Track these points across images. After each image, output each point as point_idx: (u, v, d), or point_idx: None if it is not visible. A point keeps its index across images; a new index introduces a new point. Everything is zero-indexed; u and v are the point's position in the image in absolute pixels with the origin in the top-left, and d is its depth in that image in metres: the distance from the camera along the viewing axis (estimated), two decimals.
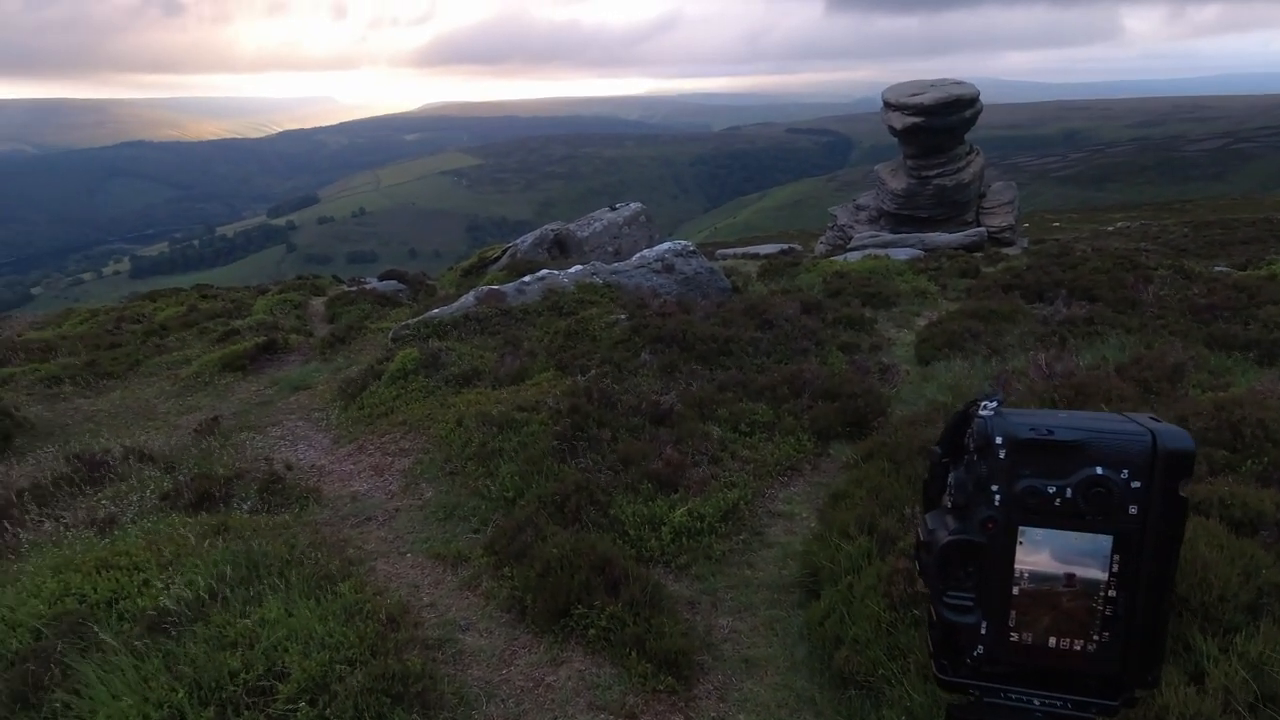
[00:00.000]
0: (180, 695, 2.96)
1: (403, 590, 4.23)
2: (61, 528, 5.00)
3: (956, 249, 21.56)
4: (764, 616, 3.99)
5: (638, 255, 13.74)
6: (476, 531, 4.95)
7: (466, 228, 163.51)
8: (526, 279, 11.30)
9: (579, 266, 12.41)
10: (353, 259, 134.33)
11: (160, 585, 3.82)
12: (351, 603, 3.75)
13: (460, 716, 3.25)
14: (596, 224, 20.89)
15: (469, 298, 10.49)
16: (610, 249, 19.96)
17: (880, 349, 9.36)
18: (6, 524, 4.97)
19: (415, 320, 9.78)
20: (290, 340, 10.92)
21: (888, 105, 29.00)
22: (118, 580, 3.90)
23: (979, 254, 20.19)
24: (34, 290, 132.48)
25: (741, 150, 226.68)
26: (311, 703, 2.98)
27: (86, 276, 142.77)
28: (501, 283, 11.81)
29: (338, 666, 3.16)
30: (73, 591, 3.82)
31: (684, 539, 4.66)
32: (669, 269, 12.82)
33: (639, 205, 22.71)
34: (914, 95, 28.02)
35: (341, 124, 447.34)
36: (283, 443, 7.21)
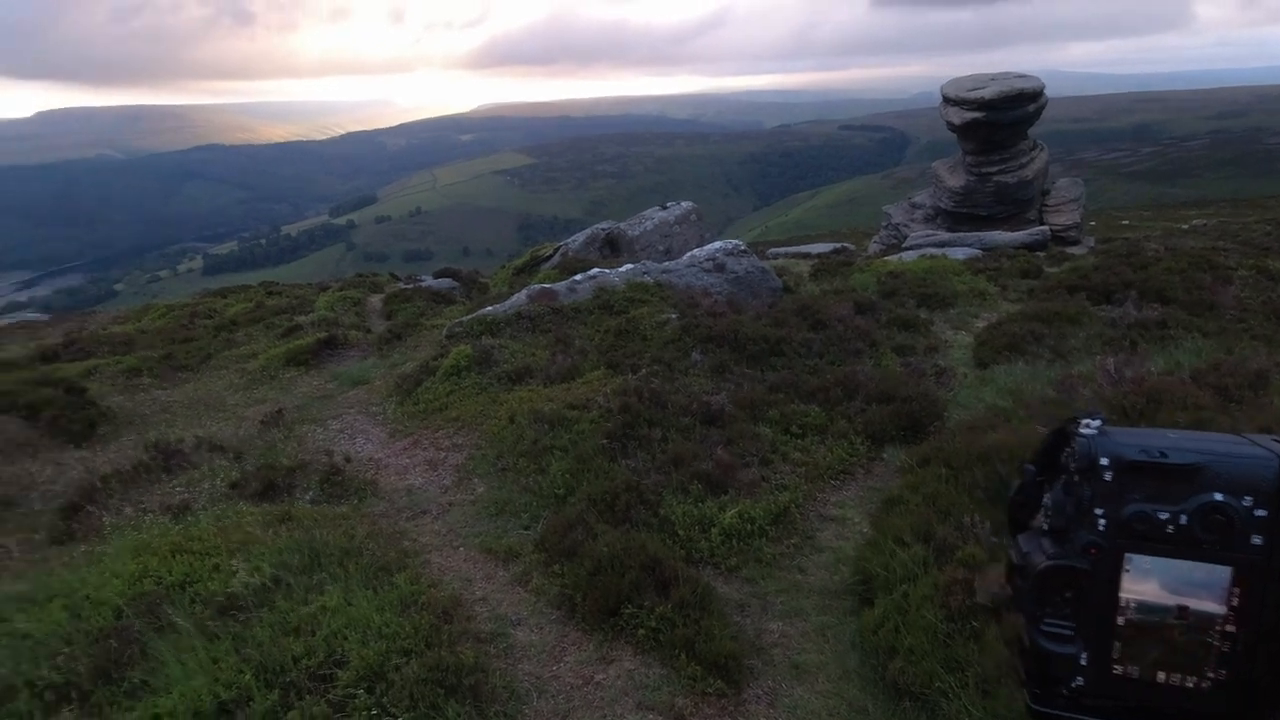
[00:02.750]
0: (247, 677, 3.09)
1: (456, 583, 4.32)
2: (140, 512, 5.28)
3: (1018, 248, 20.81)
4: (815, 622, 3.94)
5: (688, 254, 13.71)
6: (527, 528, 5.02)
7: (518, 226, 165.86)
8: (578, 278, 11.39)
9: (630, 265, 12.44)
10: (409, 257, 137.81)
11: (229, 570, 3.99)
12: (407, 594, 3.84)
13: (511, 710, 3.30)
14: (647, 223, 20.90)
15: (521, 296, 10.63)
16: (661, 248, 19.94)
17: (936, 351, 9.12)
18: (92, 508, 5.27)
19: (469, 318, 9.96)
20: (350, 336, 11.26)
21: (946, 100, 28.21)
22: (191, 564, 4.09)
23: (1042, 253, 19.47)
24: (116, 286, 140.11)
25: (793, 148, 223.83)
26: (369, 690, 3.07)
27: (163, 274, 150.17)
28: (553, 281, 11.93)
29: (394, 656, 3.25)
30: (150, 573, 4.02)
31: (734, 541, 4.63)
32: (720, 268, 12.75)
33: (690, 204, 22.64)
34: (974, 89, 27.18)
35: (400, 125, 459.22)
36: (342, 435, 7.44)
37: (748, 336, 8.51)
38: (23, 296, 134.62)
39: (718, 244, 13.89)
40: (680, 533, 4.69)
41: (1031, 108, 27.00)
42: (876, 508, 4.95)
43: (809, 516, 5.11)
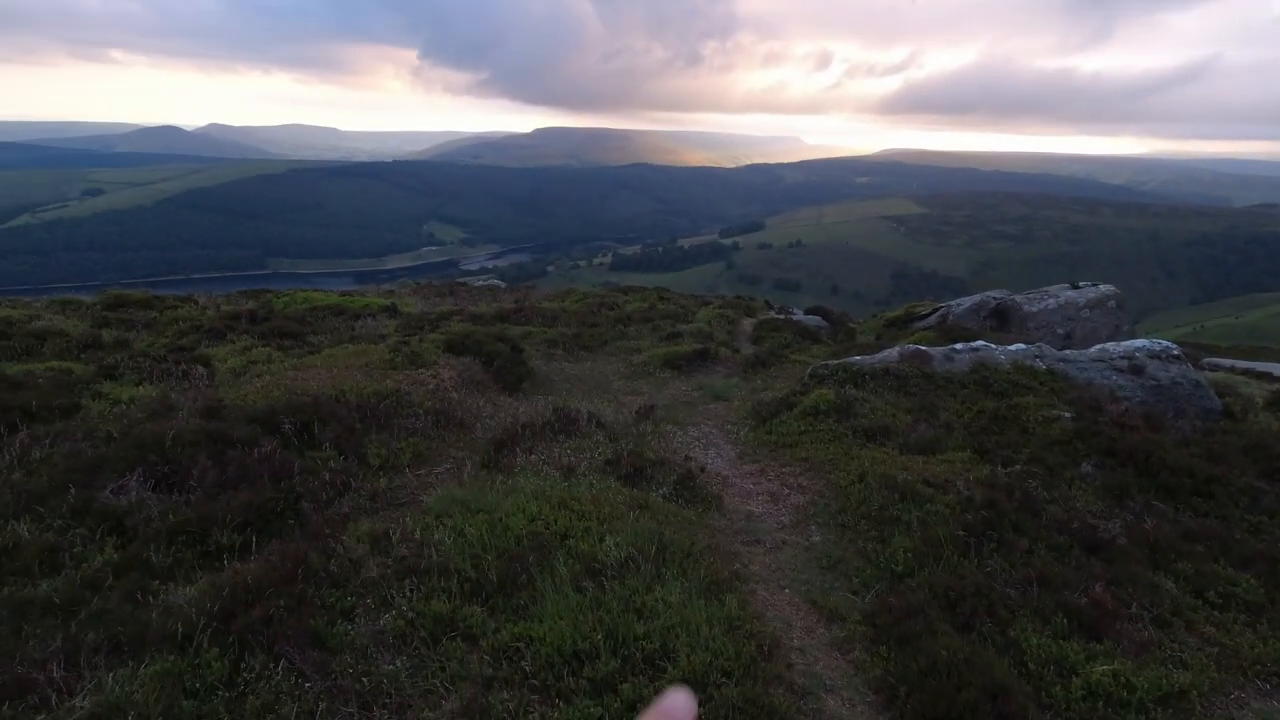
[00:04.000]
0: (599, 637, 3.59)
1: (777, 624, 4.41)
2: (541, 462, 6.46)
3: None
4: None
5: (1098, 347, 11.80)
6: (856, 593, 4.88)
7: (892, 274, 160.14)
8: (958, 346, 10.62)
9: (1021, 345, 11.17)
10: (779, 285, 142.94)
11: (598, 535, 4.66)
12: (735, 617, 4.05)
13: None
14: (1049, 300, 18.55)
15: (892, 352, 10.31)
16: (1060, 331, 17.53)
17: None
18: (512, 447, 6.64)
19: (835, 362, 9.99)
20: (720, 352, 12.16)
21: None
22: (570, 521, 4.88)
23: None
24: (548, 268, 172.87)
25: (1271, 235, 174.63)
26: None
27: (581, 263, 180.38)
28: (929, 343, 11.31)
29: (715, 673, 3.46)
30: (541, 517, 4.91)
31: (1099, 703, 3.89)
32: (1137, 370, 10.73)
33: (1110, 288, 19.45)
34: None
35: (801, 162, 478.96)
36: (697, 444, 8.09)
37: (1164, 462, 7.02)
38: (490, 264, 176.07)
39: (1140, 342, 11.70)
40: (1030, 666, 4.10)
41: None
42: None
43: (1214, 715, 4.04)
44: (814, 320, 17.37)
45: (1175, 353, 11.34)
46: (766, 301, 22.60)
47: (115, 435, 5.44)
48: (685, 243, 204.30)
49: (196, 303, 14.86)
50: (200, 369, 8.15)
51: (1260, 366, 21.39)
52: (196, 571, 4.10)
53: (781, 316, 17.52)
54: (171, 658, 3.22)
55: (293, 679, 3.32)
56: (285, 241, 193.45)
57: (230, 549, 4.32)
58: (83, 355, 8.69)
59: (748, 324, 16.08)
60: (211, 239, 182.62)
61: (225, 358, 9.01)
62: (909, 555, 5.08)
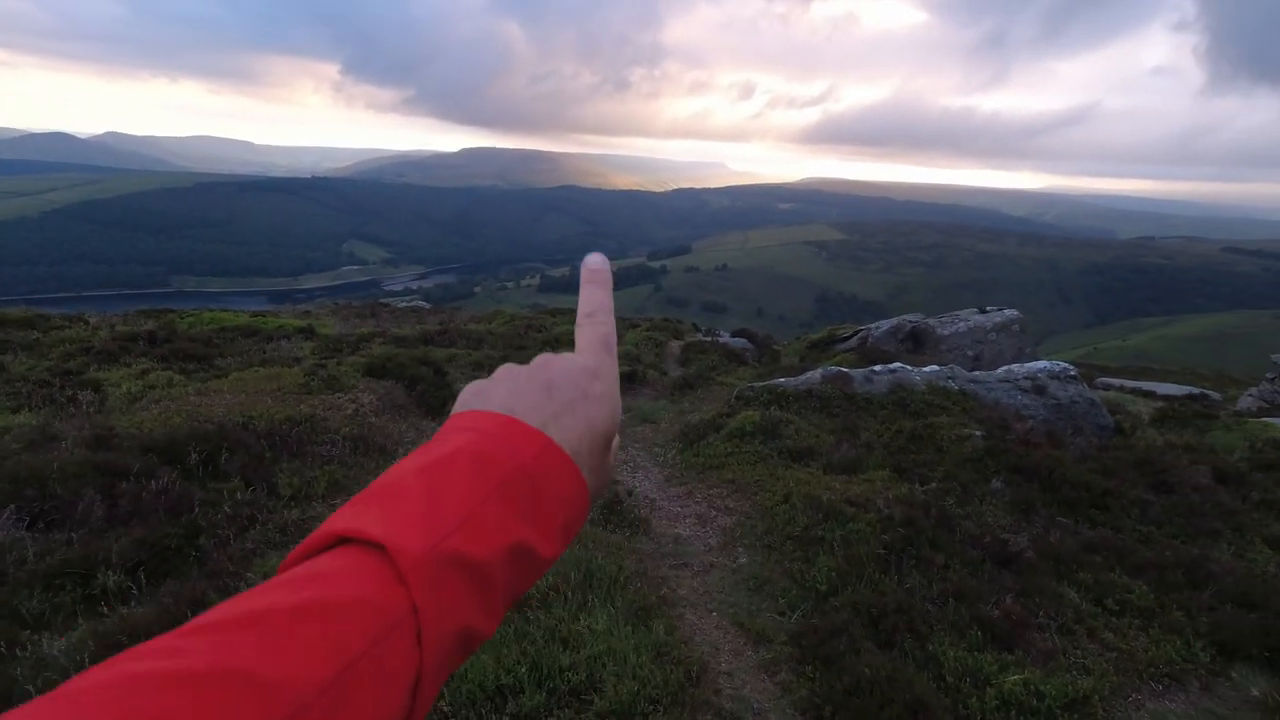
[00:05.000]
0: (523, 670, 3.47)
1: (704, 648, 4.38)
2: None
3: None
4: None
5: (1004, 368, 12.48)
6: (783, 614, 4.91)
7: (816, 298, 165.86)
8: (877, 368, 11.01)
9: (935, 367, 11.69)
10: (706, 307, 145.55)
11: None
12: (662, 642, 4.00)
13: None
14: (960, 324, 19.53)
15: (815, 374, 10.58)
16: (970, 353, 18.45)
17: None
18: None
19: (760, 384, 10.17)
20: (647, 375, 12.18)
21: None
22: None
23: None
24: (475, 289, 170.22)
25: (1151, 265, 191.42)
26: None
27: (509, 285, 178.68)
28: (850, 365, 11.69)
29: (643, 702, 3.40)
30: None
31: (1012, 712, 4.02)
32: (1040, 390, 11.39)
33: (1014, 313, 20.66)
34: None
35: (726, 187, 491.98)
36: (625, 467, 8.04)
37: (1065, 478, 7.45)
38: (415, 285, 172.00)
39: (1042, 363, 12.45)
40: (948, 679, 4.22)
41: None
42: None
43: (1114, 718, 4.25)
44: (740, 343, 17.67)
45: (1073, 373, 12.09)
46: (694, 324, 22.86)
47: None
48: (614, 265, 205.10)
49: (87, 322, 13.81)
50: (89, 394, 7.54)
51: (1145, 385, 23.14)
52: (77, 619, 3.73)
53: (709, 339, 17.75)
54: None
55: None
56: (192, 258, 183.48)
57: (118, 592, 3.96)
58: None
59: (675, 346, 16.21)
60: (107, 254, 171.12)
61: (119, 382, 8.37)
62: (833, 574, 5.16)
